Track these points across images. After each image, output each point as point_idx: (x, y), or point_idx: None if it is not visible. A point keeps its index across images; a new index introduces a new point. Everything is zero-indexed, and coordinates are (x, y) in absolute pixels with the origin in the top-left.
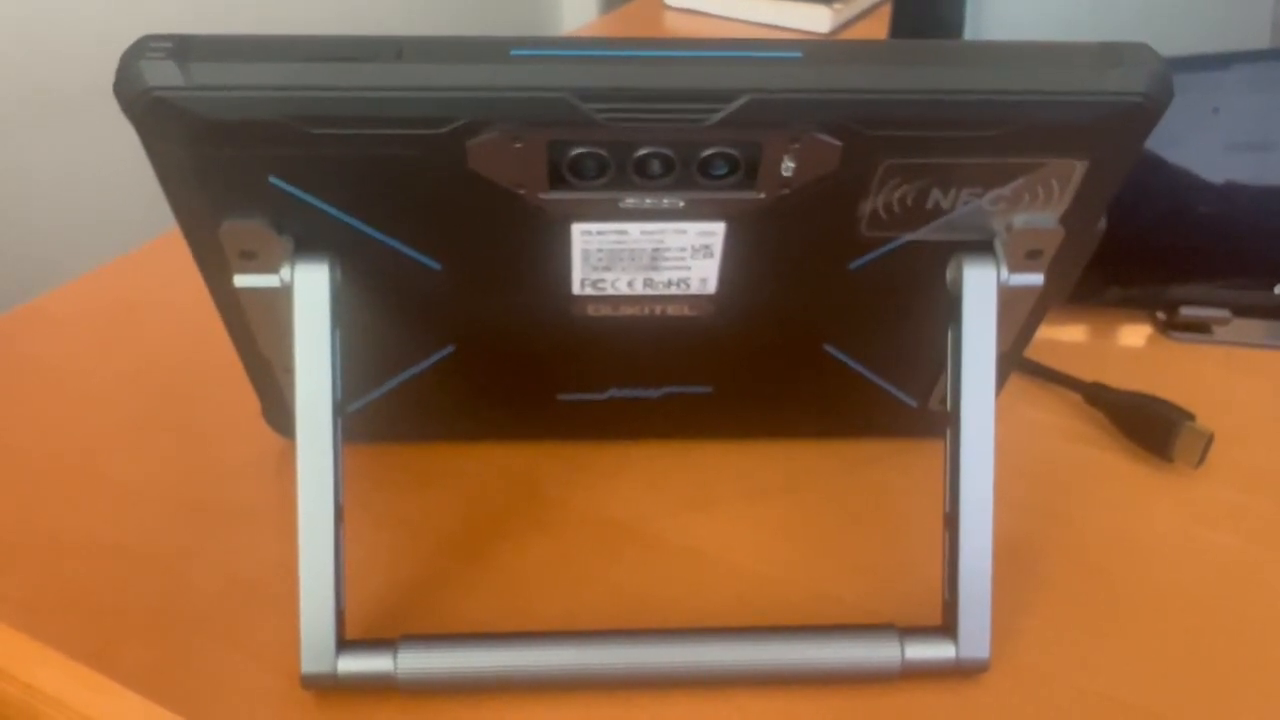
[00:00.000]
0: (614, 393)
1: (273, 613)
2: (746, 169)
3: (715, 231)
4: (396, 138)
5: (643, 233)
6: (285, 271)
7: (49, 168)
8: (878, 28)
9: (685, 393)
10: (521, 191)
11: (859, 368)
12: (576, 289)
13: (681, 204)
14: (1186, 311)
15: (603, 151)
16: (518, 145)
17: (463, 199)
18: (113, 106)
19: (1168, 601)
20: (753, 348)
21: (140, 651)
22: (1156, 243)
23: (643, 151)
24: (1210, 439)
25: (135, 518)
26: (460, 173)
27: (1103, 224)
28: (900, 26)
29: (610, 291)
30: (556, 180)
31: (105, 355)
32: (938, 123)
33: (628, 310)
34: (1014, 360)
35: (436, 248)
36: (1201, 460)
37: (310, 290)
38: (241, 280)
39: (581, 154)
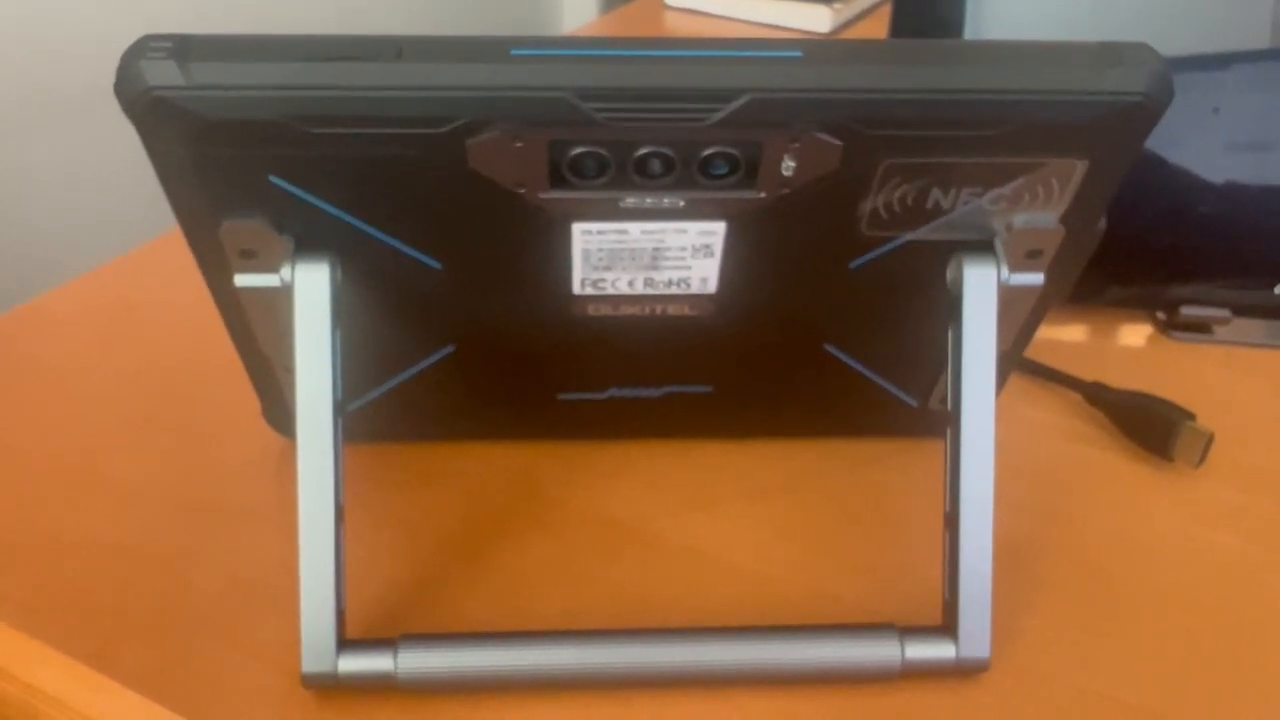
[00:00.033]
0: (614, 392)
1: (273, 612)
2: (747, 168)
3: (716, 231)
4: (397, 137)
5: (643, 232)
6: (285, 271)
7: (49, 168)
8: (878, 28)
9: (685, 392)
10: (522, 191)
11: (859, 367)
12: (577, 288)
13: (682, 203)
14: (1187, 311)
15: (603, 151)
16: (518, 145)
17: (463, 198)
18: (113, 106)
19: (1168, 601)
20: (753, 347)
21: (140, 651)
22: (1157, 242)
23: (643, 151)
24: (1210, 439)
25: (135, 518)
26: (460, 172)
27: (1103, 224)
28: (900, 26)
29: (610, 291)
30: (557, 180)
31: (105, 355)
32: (938, 122)
33: (628, 310)
34: (1014, 360)
35: (437, 247)
36: (1202, 460)
37: (310, 290)
38: (242, 280)
39: (582, 153)
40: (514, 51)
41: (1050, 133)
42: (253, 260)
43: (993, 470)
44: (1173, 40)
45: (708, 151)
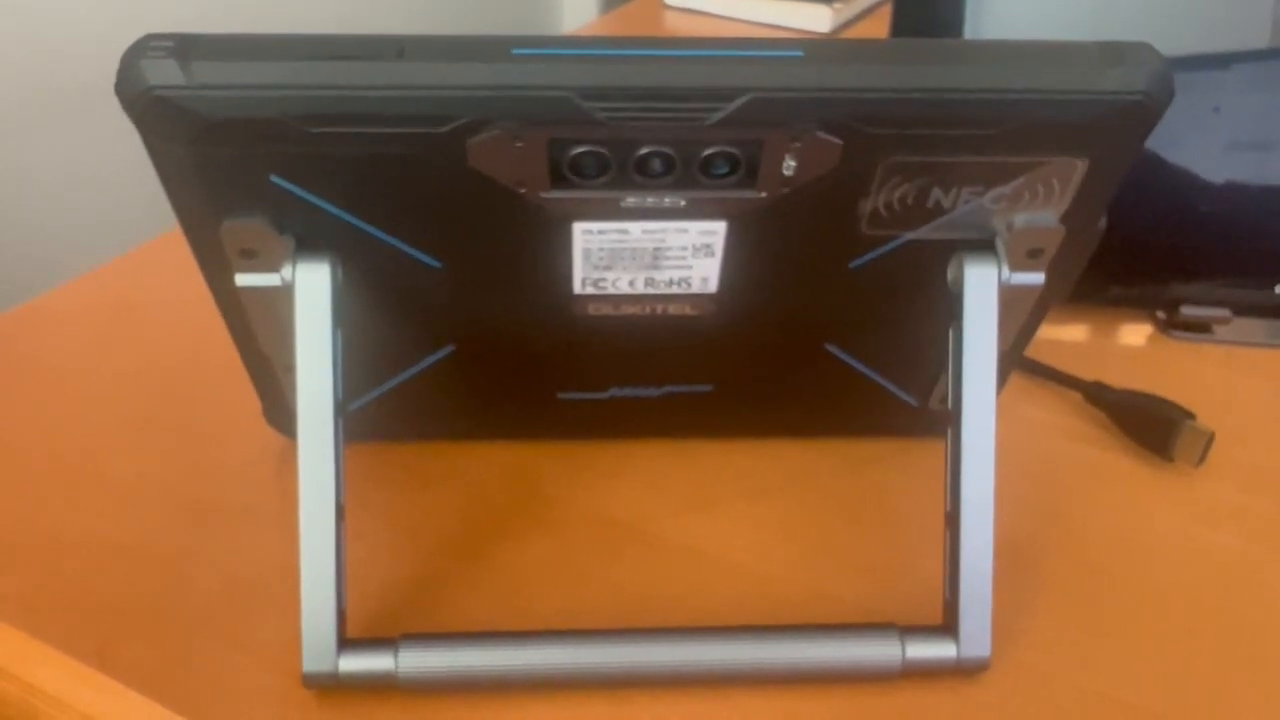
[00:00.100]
0: (615, 392)
1: (273, 612)
2: (747, 168)
3: (716, 230)
4: (397, 136)
5: (644, 232)
6: (286, 270)
7: (49, 168)
8: (878, 27)
9: (686, 392)
10: (522, 190)
11: (860, 367)
12: (577, 288)
13: (682, 203)
14: (1187, 311)
15: (604, 150)
16: (519, 144)
17: (464, 198)
18: (113, 106)
19: (1168, 601)
20: (754, 347)
21: (140, 650)
22: (1157, 242)
23: (644, 150)
24: (1211, 438)
25: (135, 517)
26: (461, 171)
27: (1103, 223)
28: (901, 26)
29: (611, 290)
30: (557, 179)
31: (105, 355)
32: (939, 121)
33: (629, 309)
34: (1015, 359)
35: (437, 247)
36: (1202, 459)
37: (311, 289)
38: (242, 279)
39: (582, 153)
40: (515, 51)
41: (1051, 132)
42: (253, 260)
43: (993, 470)
44: (1173, 40)
45: (708, 151)
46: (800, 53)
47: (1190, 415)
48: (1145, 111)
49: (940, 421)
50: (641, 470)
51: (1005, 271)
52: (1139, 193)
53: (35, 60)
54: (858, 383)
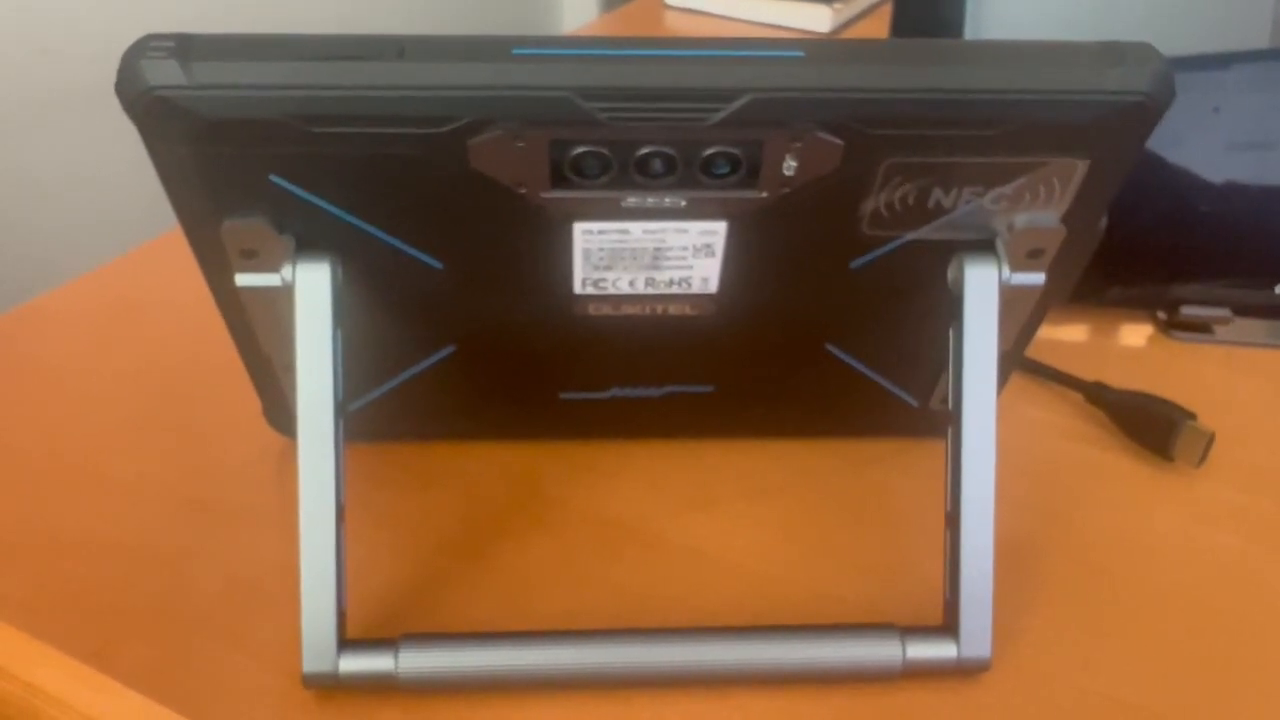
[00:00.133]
0: (615, 392)
1: (273, 612)
2: (748, 168)
3: (717, 231)
4: (398, 137)
5: (644, 232)
6: (286, 271)
7: (49, 168)
8: (878, 27)
9: (687, 392)
10: (523, 190)
11: (860, 367)
12: (578, 288)
13: (683, 203)
14: (1187, 311)
15: (604, 150)
16: (519, 144)
17: (464, 198)
18: (113, 106)
19: (1169, 601)
20: (754, 347)
21: (141, 650)
22: (1157, 242)
23: (644, 150)
24: (1211, 438)
25: (135, 517)
26: (462, 172)
27: (1104, 223)
28: (901, 26)
29: (612, 291)
30: (558, 179)
31: (105, 355)
32: (939, 122)
33: (629, 309)
34: (1015, 359)
35: (438, 247)
36: (1203, 460)
37: (312, 289)
38: (243, 279)
39: (583, 153)
40: (515, 51)
41: (1052, 132)
42: (253, 260)
43: (994, 470)
44: (1173, 40)
45: (709, 151)
46: (801, 53)
47: (1191, 415)
48: (1146, 112)
49: (941, 422)
50: (642, 470)
51: (1006, 272)
52: (1139, 193)
53: (35, 60)
54: (858, 383)
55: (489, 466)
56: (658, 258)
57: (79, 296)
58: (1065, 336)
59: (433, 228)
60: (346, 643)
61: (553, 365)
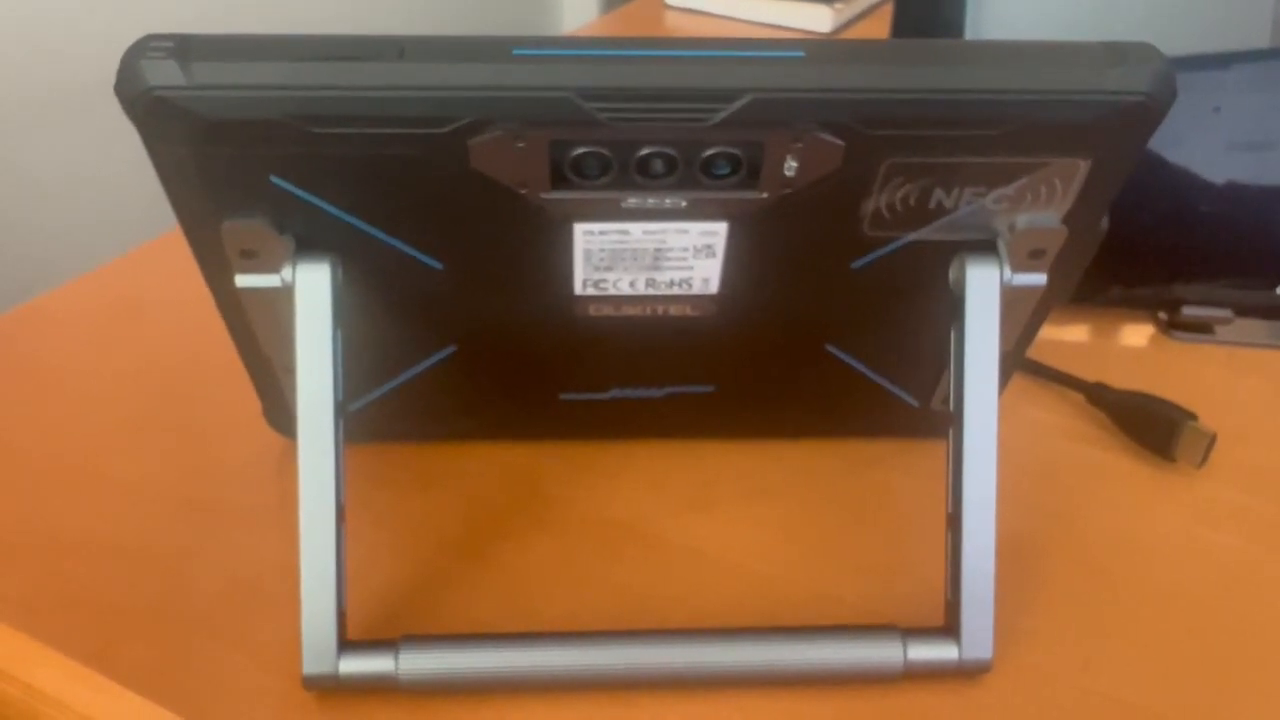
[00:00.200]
0: (616, 392)
1: (273, 613)
2: (749, 168)
3: (717, 231)
4: (398, 137)
5: (645, 233)
6: (286, 271)
7: (49, 168)
8: (879, 27)
9: (687, 392)
10: (523, 191)
11: (861, 368)
12: (578, 289)
13: (684, 204)
14: (1188, 311)
15: (605, 151)
16: (520, 145)
17: (465, 199)
18: (113, 106)
19: (1170, 602)
20: (755, 348)
21: (140, 651)
22: (1158, 242)
23: (645, 151)
24: (1213, 439)
25: (135, 517)
26: (462, 172)
27: (1105, 224)
28: (902, 26)
29: (612, 291)
30: (559, 180)
31: (105, 355)
32: (940, 122)
33: (630, 310)
34: (1016, 360)
35: (438, 247)
36: (1204, 460)
37: (312, 290)
38: (243, 280)
39: (584, 153)
40: (515, 51)
41: (1053, 132)
42: (253, 260)
43: (995, 471)
44: (1173, 40)
45: (710, 151)
46: (802, 53)
47: (1192, 416)
48: (1148, 112)
49: (942, 422)
50: (642, 471)
51: (1007, 272)
52: (1140, 193)
53: (35, 60)
54: (859, 383)
55: (489, 467)
56: (658, 258)
57: (79, 296)
58: (1066, 337)
59: (433, 228)
60: (347, 644)
61: (553, 366)
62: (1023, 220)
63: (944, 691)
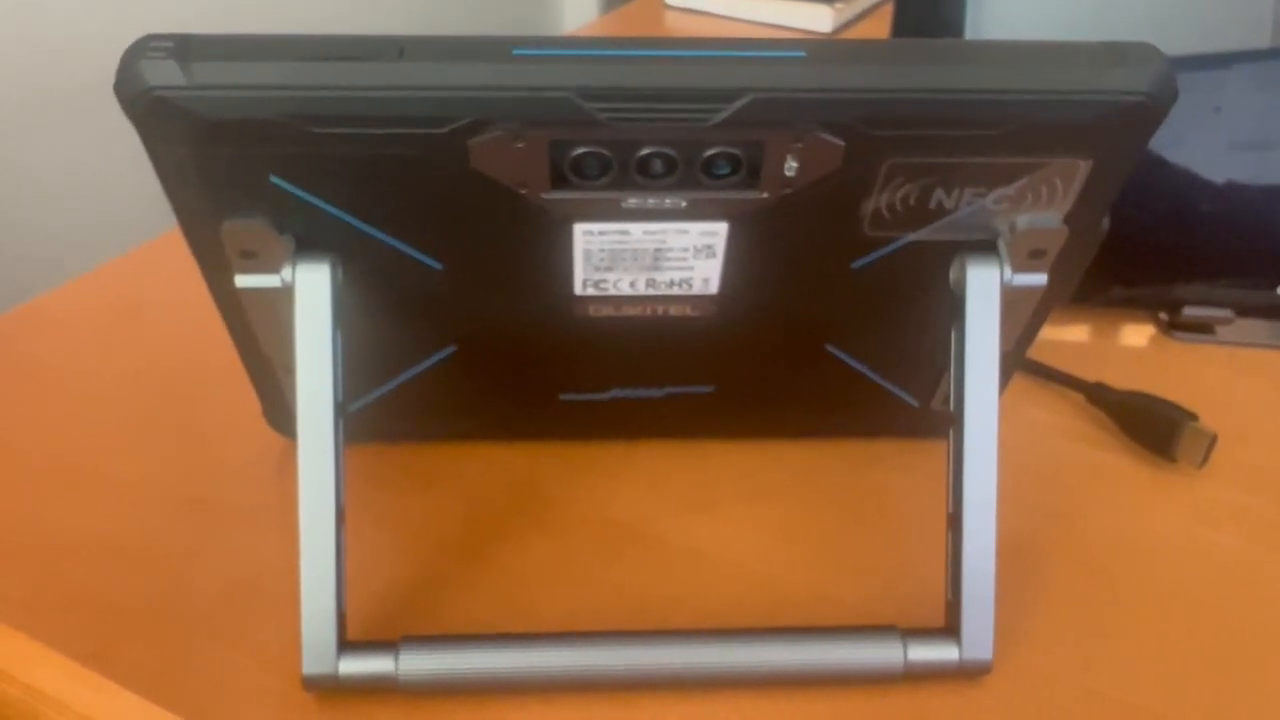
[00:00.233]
0: (616, 393)
1: (273, 613)
2: (749, 169)
3: (718, 231)
4: (398, 137)
5: (645, 233)
6: (286, 271)
7: (49, 168)
8: (879, 27)
9: (687, 393)
10: (523, 191)
11: (861, 368)
12: (578, 289)
13: (684, 204)
14: (1189, 311)
15: (605, 151)
16: (520, 145)
17: (464, 199)
18: (113, 106)
19: (1170, 602)
20: (755, 348)
21: (140, 651)
22: (1159, 242)
23: (645, 151)
24: (1213, 439)
25: (135, 518)
26: (462, 172)
27: (1106, 224)
28: (902, 26)
29: (612, 292)
30: (559, 180)
31: (105, 355)
32: (941, 122)
33: (630, 310)
34: (1017, 360)
35: (438, 247)
36: (1204, 461)
37: (311, 290)
38: (242, 280)
39: (584, 153)
40: (515, 51)
41: (1054, 132)
42: (253, 260)
43: (995, 471)
44: (1174, 39)
45: (710, 152)
46: (802, 53)
47: (1193, 416)
48: (1148, 112)
49: (942, 422)
50: (643, 471)
51: (1008, 273)
52: (1141, 193)
53: (35, 60)
54: (859, 384)
55: (489, 467)
56: (658, 259)
57: (79, 296)
58: (1067, 337)
59: (433, 228)
60: (346, 644)
61: (553, 366)
62: (1023, 220)
63: (944, 692)
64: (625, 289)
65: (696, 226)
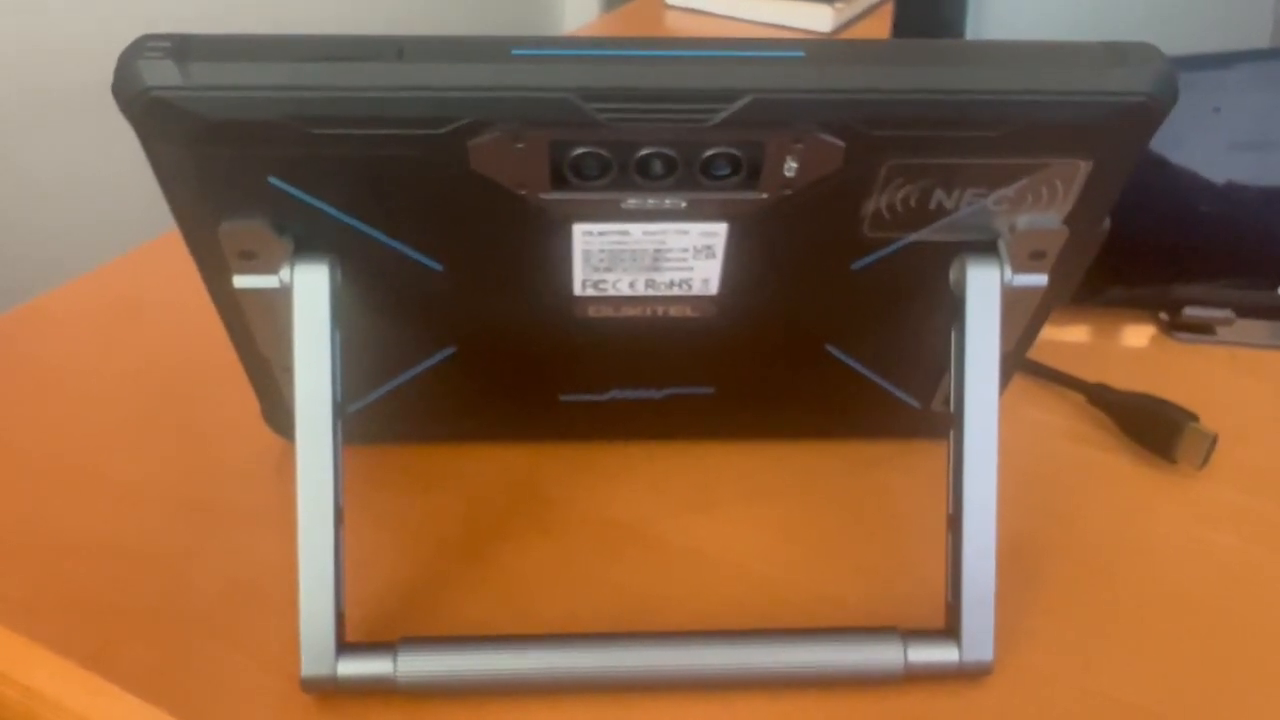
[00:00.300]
0: (616, 394)
1: (273, 614)
2: (749, 169)
3: (717, 232)
4: (397, 138)
5: (644, 233)
6: (285, 272)
7: (49, 168)
8: (879, 27)
9: (687, 393)
10: (523, 192)
11: (861, 369)
12: (578, 290)
13: (683, 204)
14: (1190, 312)
15: (604, 152)
16: (519, 145)
17: (464, 199)
18: (113, 106)
19: (1171, 603)
20: (755, 348)
21: (140, 652)
22: (1160, 243)
23: (645, 152)
24: (1214, 440)
25: (135, 518)
26: (462, 173)
27: (1106, 224)
28: (902, 26)
29: (612, 292)
30: (558, 180)
31: (105, 355)
32: (941, 123)
33: (629, 311)
34: (1017, 361)
35: (437, 248)
36: (1205, 461)
37: (310, 291)
38: (241, 281)
39: (583, 154)
40: (515, 52)
41: (1054, 133)
42: (252, 261)
43: (995, 472)
44: (1174, 39)
45: (710, 152)
46: (802, 53)
47: (1193, 417)
48: (1149, 112)
49: (942, 423)
50: (642, 472)
51: (1008, 273)
52: (1141, 193)
53: (35, 60)
54: (859, 384)
55: (489, 468)
56: (658, 259)
57: (79, 296)
58: (1067, 337)
59: (432, 229)
60: (345, 646)
61: (553, 367)
62: (1024, 221)
63: (944, 693)
64: (625, 289)
65: (696, 227)
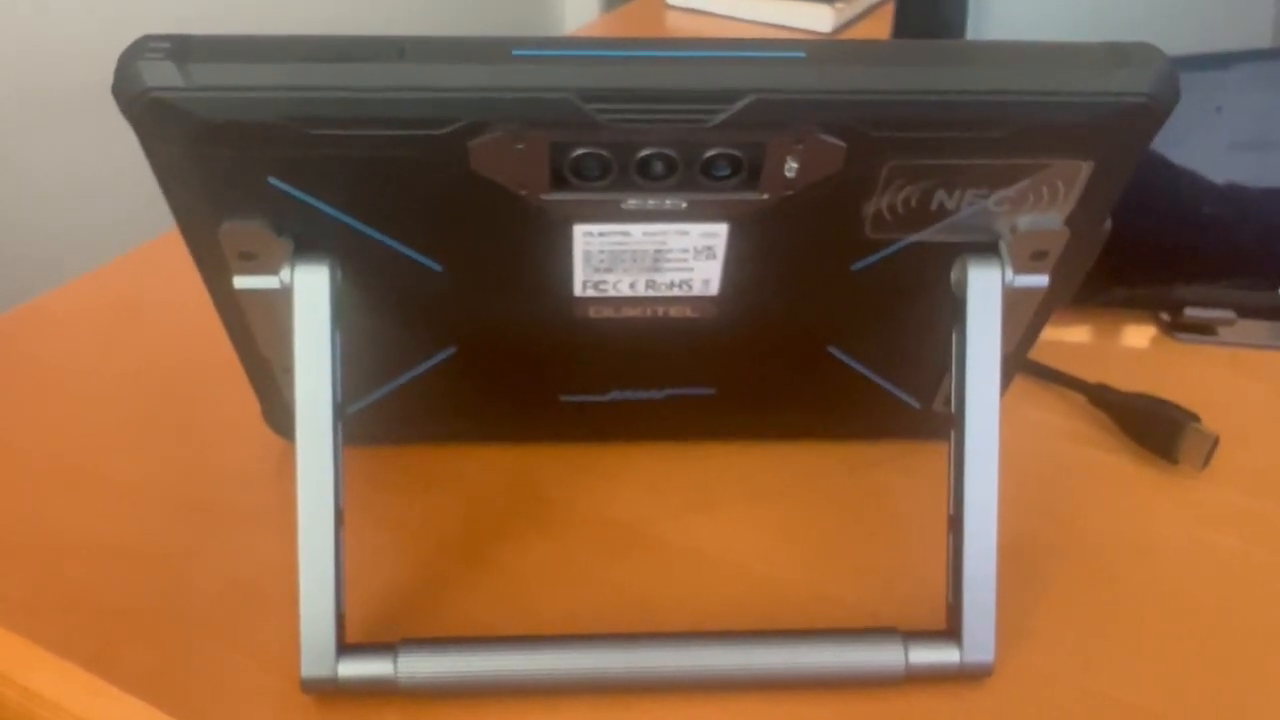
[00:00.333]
0: (616, 394)
1: (273, 615)
2: (750, 170)
3: (718, 233)
4: (397, 139)
5: (645, 234)
6: (285, 273)
7: (49, 168)
8: (880, 27)
9: (687, 394)
10: (523, 192)
11: (862, 369)
12: (578, 290)
13: (684, 205)
14: (1191, 313)
15: (605, 152)
16: (519, 146)
17: (464, 200)
18: (113, 106)
19: (1172, 603)
20: (755, 349)
21: (140, 653)
22: (1161, 243)
23: (645, 152)
24: (1215, 441)
25: (135, 518)
26: (462, 173)
27: (1108, 225)
28: (903, 26)
29: (612, 293)
30: (558, 181)
31: (105, 355)
32: (942, 123)
33: (630, 312)
34: (1018, 361)
35: (438, 249)
36: (1206, 462)
37: (310, 292)
38: (241, 282)
39: (583, 155)
40: (515, 52)
41: (1055, 134)
42: (252, 262)
43: (996, 472)
44: (1175, 40)
45: (710, 153)
46: (803, 54)
47: (1194, 418)
48: (1150, 113)
49: (943, 424)
50: (643, 472)
51: (1009, 274)
52: (1142, 194)
53: (35, 60)
54: (860, 385)
55: (489, 469)
56: (658, 260)
57: (79, 296)
58: (1068, 338)
59: (432, 230)
60: (345, 647)
61: (553, 367)
62: (1025, 222)
63: (945, 694)
64: (625, 290)
65: (697, 228)
